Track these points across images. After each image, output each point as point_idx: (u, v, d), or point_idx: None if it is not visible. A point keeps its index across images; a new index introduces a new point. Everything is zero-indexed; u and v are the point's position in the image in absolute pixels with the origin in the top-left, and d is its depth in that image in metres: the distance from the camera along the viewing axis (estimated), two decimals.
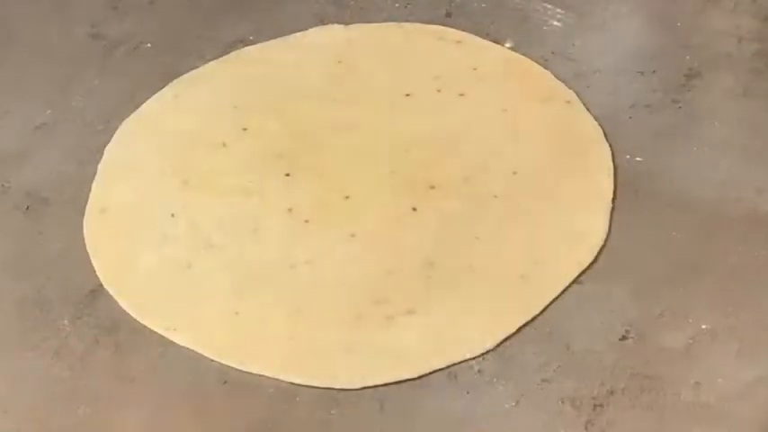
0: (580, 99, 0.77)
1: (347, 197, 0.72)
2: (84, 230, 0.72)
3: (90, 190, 0.74)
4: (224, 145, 0.76)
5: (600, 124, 0.75)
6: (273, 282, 0.68)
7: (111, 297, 0.68)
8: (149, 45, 0.85)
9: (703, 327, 0.64)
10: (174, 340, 0.66)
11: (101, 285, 0.69)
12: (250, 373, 0.64)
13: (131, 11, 0.88)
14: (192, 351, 0.65)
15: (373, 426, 0.61)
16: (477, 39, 0.82)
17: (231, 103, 0.79)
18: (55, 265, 0.70)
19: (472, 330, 0.64)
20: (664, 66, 0.79)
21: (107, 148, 0.77)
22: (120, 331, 0.66)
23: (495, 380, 0.62)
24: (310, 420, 0.61)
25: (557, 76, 0.79)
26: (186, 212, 0.72)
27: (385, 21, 0.85)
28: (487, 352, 0.63)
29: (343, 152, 0.75)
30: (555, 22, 0.84)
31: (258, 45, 0.84)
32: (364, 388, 0.62)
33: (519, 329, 0.64)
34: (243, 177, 0.74)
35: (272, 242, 0.70)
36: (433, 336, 0.64)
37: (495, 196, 0.71)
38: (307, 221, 0.71)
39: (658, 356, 0.63)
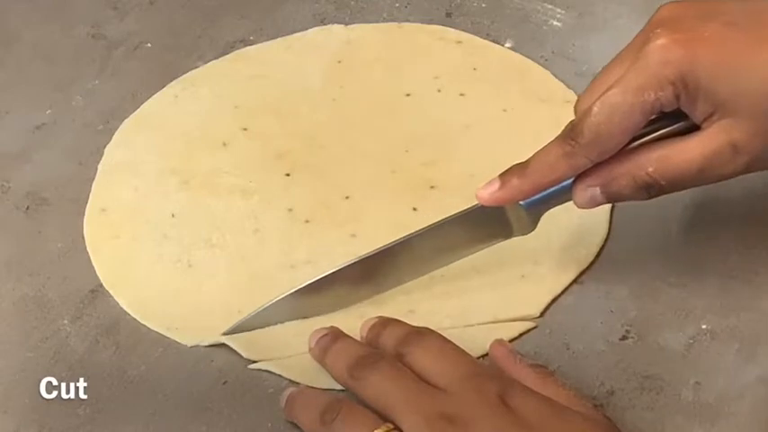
0: None
1: (347, 197, 0.72)
2: (84, 230, 0.72)
3: (90, 190, 0.74)
4: (224, 145, 0.76)
5: None
6: (274, 282, 0.68)
7: (111, 297, 0.68)
8: (149, 45, 0.85)
9: (703, 327, 0.64)
10: (175, 339, 0.66)
11: (101, 285, 0.69)
12: (250, 374, 0.64)
13: (131, 11, 0.88)
14: (192, 351, 0.65)
15: None
16: (478, 39, 0.83)
17: (231, 103, 0.79)
18: (55, 265, 0.70)
19: (473, 330, 0.64)
20: None
21: (107, 148, 0.77)
22: (120, 331, 0.66)
23: None
24: None
25: (557, 76, 0.79)
26: (186, 212, 0.72)
27: (385, 21, 0.85)
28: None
29: (343, 152, 0.75)
30: (555, 22, 0.84)
31: (258, 45, 0.84)
32: None
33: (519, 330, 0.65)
34: (243, 177, 0.74)
35: (272, 242, 0.70)
36: None
37: None
38: (307, 221, 0.71)
39: (658, 356, 0.63)
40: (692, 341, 0.63)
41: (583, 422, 0.55)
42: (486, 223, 0.64)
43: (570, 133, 0.59)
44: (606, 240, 0.68)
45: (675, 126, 0.58)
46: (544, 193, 0.62)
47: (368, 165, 0.74)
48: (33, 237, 0.72)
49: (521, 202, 0.62)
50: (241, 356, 0.64)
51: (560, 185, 0.61)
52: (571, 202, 0.62)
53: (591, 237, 0.68)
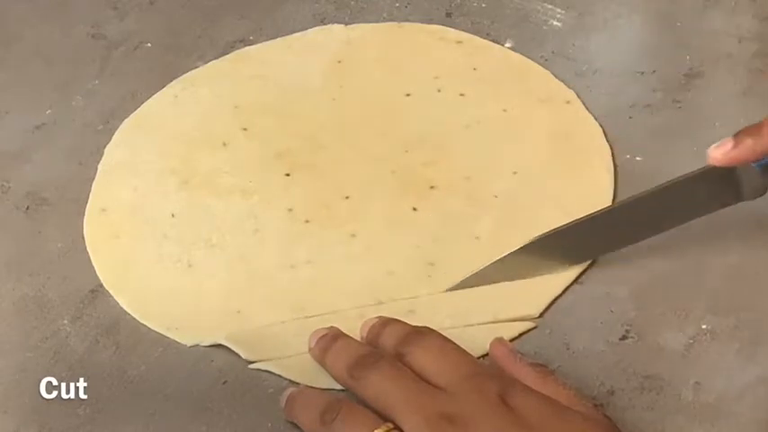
0: (580, 99, 0.77)
1: (347, 197, 0.72)
2: (85, 230, 0.72)
3: (90, 190, 0.74)
4: (224, 145, 0.76)
5: (600, 124, 0.75)
6: (273, 282, 0.68)
7: (111, 297, 0.68)
8: (149, 45, 0.85)
9: (703, 327, 0.64)
10: (175, 339, 0.66)
11: (101, 285, 0.69)
12: (250, 374, 0.64)
13: (131, 11, 0.88)
14: (192, 351, 0.65)
15: None
16: (477, 39, 0.82)
17: (231, 103, 0.79)
18: (55, 265, 0.70)
19: (473, 330, 0.64)
20: (664, 66, 0.79)
21: (107, 148, 0.77)
22: (120, 331, 0.66)
23: None
24: None
25: (557, 76, 0.79)
26: (186, 212, 0.72)
27: (385, 21, 0.85)
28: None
29: (343, 152, 0.75)
30: (555, 22, 0.84)
31: (258, 45, 0.84)
32: None
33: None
34: (243, 177, 0.74)
35: (272, 242, 0.70)
36: None
37: (496, 196, 0.71)
38: (307, 221, 0.71)
39: (658, 356, 0.63)
40: (692, 341, 0.63)
41: (583, 422, 0.55)
42: (715, 186, 0.63)
43: None
44: None
45: None
46: None
47: (368, 165, 0.74)
48: (33, 237, 0.72)
49: (753, 164, 0.62)
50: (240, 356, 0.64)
51: None
52: None
53: None
